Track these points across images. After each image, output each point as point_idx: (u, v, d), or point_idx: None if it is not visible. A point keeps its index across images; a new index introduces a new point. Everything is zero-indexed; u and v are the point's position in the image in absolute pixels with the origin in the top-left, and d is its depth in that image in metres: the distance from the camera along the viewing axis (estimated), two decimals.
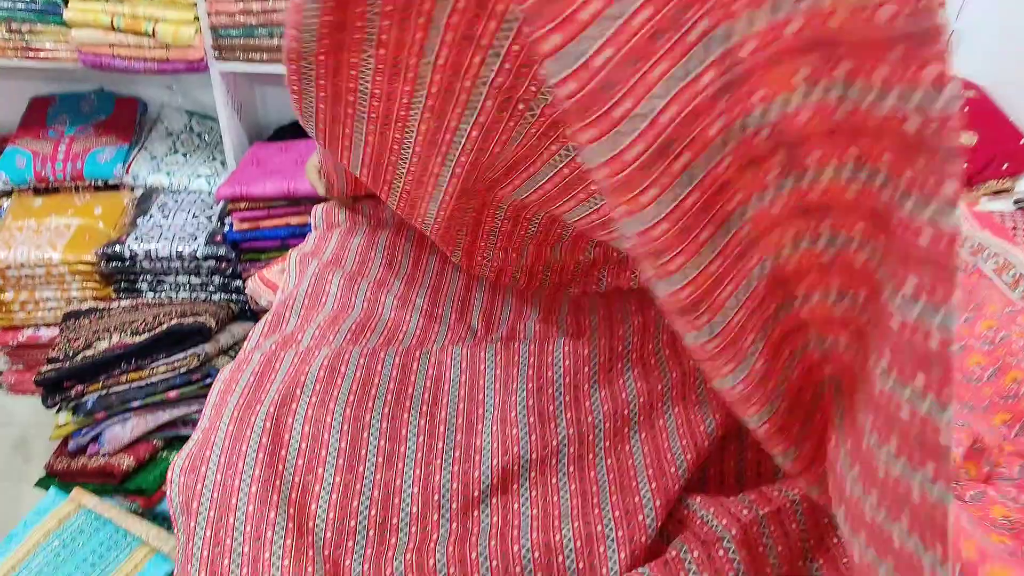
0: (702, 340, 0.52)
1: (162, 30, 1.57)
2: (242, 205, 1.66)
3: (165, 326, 1.48)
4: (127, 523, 1.30)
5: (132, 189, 1.88)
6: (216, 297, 1.74)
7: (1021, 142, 1.44)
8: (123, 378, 1.45)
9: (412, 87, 0.84)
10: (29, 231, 1.71)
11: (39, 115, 1.92)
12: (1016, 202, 1.36)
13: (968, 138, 1.45)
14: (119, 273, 1.71)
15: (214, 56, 1.68)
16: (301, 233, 1.64)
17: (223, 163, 1.93)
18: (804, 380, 0.59)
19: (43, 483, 1.51)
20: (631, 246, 0.49)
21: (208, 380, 1.46)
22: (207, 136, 2.01)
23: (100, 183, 1.86)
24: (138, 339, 1.47)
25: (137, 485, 1.43)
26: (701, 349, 0.53)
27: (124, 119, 1.94)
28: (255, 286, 1.28)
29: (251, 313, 1.74)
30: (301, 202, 1.64)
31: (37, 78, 1.95)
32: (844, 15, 0.42)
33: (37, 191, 1.85)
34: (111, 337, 1.50)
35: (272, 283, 1.23)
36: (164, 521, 1.42)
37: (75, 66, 1.68)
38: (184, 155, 1.95)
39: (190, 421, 1.50)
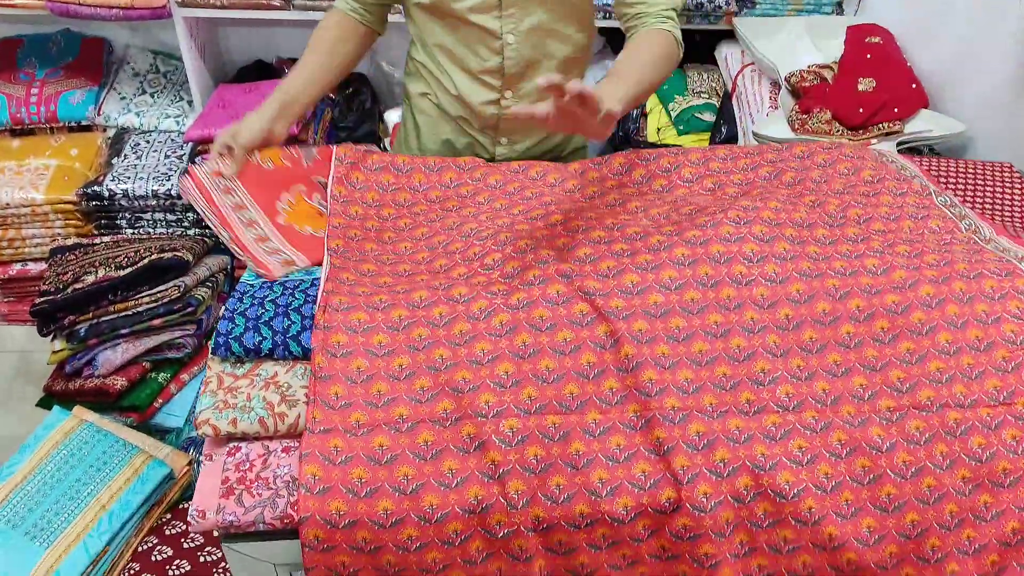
0: None
1: None
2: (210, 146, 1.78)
3: (146, 260, 1.62)
4: (125, 434, 1.49)
5: (104, 129, 1.99)
6: (191, 232, 1.88)
7: (912, 86, 1.60)
8: (111, 308, 1.60)
9: None
10: (10, 172, 1.83)
11: (9, 58, 2.00)
12: (898, 144, 1.53)
13: (867, 84, 1.61)
14: (99, 211, 1.84)
15: (176, 2, 1.77)
16: None
17: (190, 103, 2.03)
18: None
19: (43, 402, 1.67)
20: None
21: (188, 309, 1.62)
22: (172, 76, 2.11)
23: (73, 124, 1.96)
24: (122, 273, 1.61)
25: (130, 402, 1.61)
26: None
27: (92, 60, 2.03)
28: (186, 184, 1.23)
29: (226, 247, 1.88)
30: None
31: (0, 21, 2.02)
32: None
33: (14, 132, 1.95)
34: (96, 271, 1.64)
35: (204, 188, 1.19)
36: (156, 433, 1.62)
37: (43, 12, 1.76)
38: (152, 95, 2.05)
39: (174, 345, 1.67)
